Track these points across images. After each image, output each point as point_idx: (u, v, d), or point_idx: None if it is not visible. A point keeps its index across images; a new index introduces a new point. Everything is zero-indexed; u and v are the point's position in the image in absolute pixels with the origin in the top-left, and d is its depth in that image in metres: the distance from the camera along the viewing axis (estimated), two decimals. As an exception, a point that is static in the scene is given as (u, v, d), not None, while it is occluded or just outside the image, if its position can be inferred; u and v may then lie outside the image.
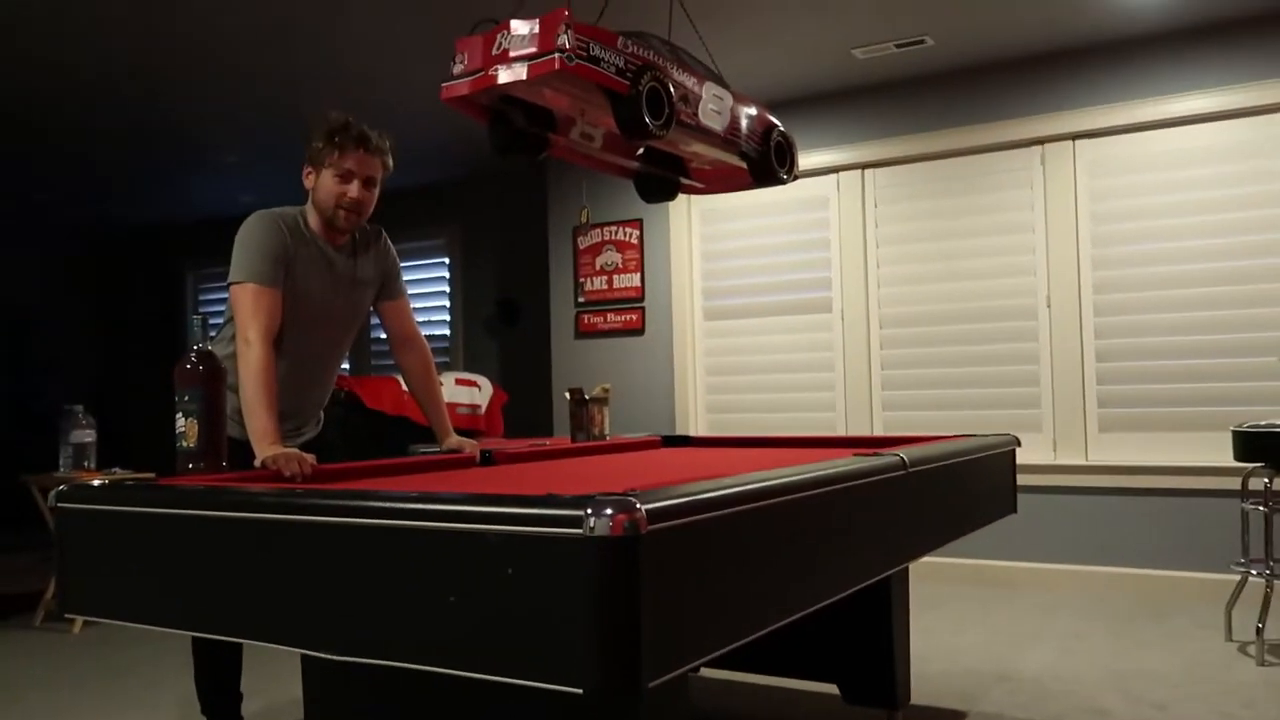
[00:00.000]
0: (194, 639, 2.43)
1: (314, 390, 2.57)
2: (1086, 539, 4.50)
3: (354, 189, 2.36)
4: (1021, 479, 2.84)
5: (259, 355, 2.19)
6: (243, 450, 2.13)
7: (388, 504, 1.27)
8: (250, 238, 2.32)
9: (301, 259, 2.37)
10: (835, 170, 5.09)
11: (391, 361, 3.48)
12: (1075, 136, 4.56)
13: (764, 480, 1.45)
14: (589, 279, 5.74)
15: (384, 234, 2.59)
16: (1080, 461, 4.52)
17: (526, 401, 6.08)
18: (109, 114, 5.15)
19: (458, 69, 2.01)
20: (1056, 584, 4.53)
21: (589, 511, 1.10)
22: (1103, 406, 4.50)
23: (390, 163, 2.44)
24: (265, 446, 2.06)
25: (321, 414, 2.67)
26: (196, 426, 1.87)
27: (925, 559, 2.25)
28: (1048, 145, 4.62)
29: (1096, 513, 4.48)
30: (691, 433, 5.26)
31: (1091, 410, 4.52)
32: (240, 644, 2.42)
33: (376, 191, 2.44)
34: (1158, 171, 4.42)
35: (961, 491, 2.38)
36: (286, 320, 2.32)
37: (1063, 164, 4.59)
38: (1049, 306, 4.61)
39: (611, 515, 1.09)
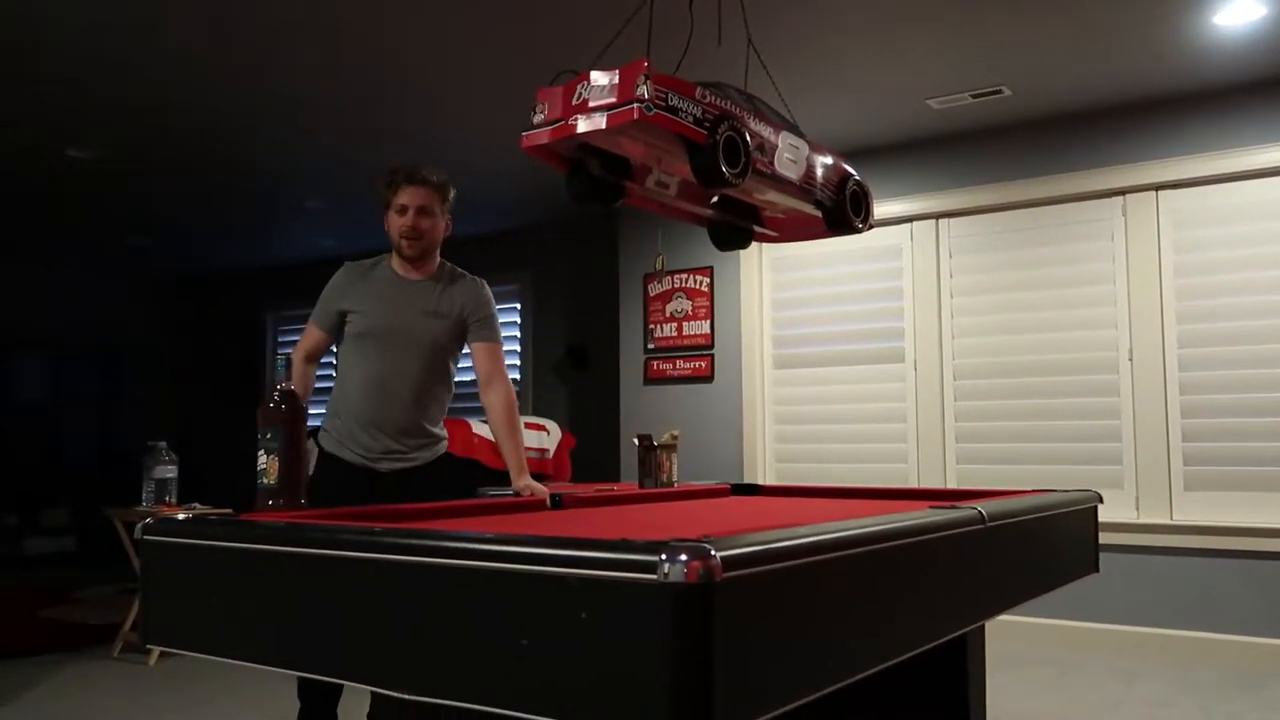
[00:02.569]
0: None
1: (396, 405, 2.77)
2: (1172, 602, 4.32)
3: (409, 219, 2.73)
4: (1102, 537, 2.75)
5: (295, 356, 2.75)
6: (333, 462, 2.77)
7: (465, 544, 1.27)
8: (324, 289, 2.83)
9: (373, 286, 2.78)
10: (909, 220, 5.05)
11: (463, 405, 3.61)
12: (1158, 187, 4.46)
13: (842, 530, 1.42)
14: (659, 325, 5.76)
15: (482, 283, 2.94)
16: (1165, 520, 4.35)
17: (594, 446, 6.10)
18: (200, 162, 5.36)
19: (538, 118, 2.04)
20: (1139, 649, 4.35)
21: (663, 557, 1.08)
22: (1189, 464, 4.35)
23: (447, 192, 2.80)
24: None
25: (441, 442, 2.89)
26: (278, 464, 1.91)
27: (1002, 617, 2.18)
28: (1129, 196, 4.53)
29: (1183, 575, 4.31)
30: (760, 481, 5.21)
31: (1177, 468, 4.37)
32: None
33: (438, 220, 2.78)
34: (1245, 223, 4.30)
35: (1041, 548, 2.31)
36: (358, 334, 2.76)
37: (1145, 215, 4.50)
38: (1131, 360, 4.48)
39: (686, 561, 1.08)
